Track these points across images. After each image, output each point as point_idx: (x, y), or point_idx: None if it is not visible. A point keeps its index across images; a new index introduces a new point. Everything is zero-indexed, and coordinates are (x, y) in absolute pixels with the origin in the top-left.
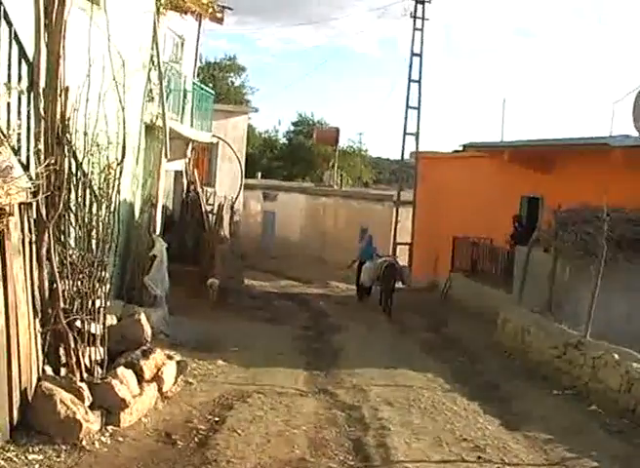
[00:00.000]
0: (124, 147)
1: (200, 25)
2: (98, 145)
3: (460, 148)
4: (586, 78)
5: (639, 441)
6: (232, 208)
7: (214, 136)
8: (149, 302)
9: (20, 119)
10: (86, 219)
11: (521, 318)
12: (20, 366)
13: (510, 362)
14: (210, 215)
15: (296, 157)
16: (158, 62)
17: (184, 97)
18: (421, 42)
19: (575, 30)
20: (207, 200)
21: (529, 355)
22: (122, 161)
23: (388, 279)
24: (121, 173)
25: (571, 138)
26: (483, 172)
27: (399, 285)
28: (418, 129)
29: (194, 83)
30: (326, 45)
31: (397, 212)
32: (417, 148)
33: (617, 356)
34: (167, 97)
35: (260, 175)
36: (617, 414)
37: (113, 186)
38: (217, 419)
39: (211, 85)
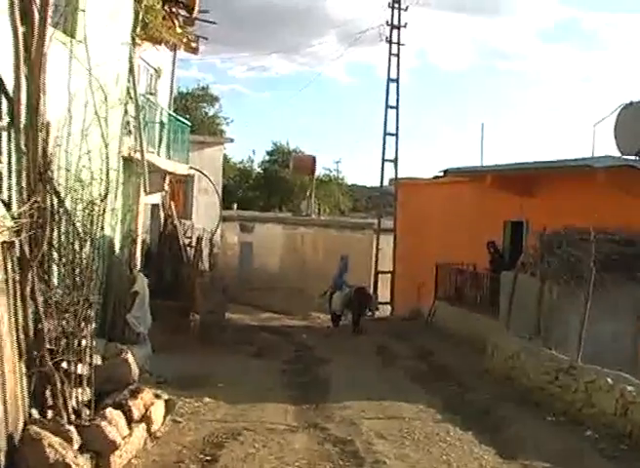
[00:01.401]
0: (108, 183)
1: (175, 56)
2: (80, 181)
3: (441, 174)
4: (565, 100)
5: (638, 465)
6: (211, 240)
7: (191, 167)
8: (132, 340)
9: (0, 156)
10: (70, 257)
11: (510, 344)
12: (6, 410)
13: (501, 389)
14: (188, 249)
15: (272, 187)
16: (135, 95)
17: (161, 129)
18: (398, 67)
19: (552, 53)
20: (185, 233)
21: (520, 381)
22: (106, 197)
23: (358, 301)
24: (104, 209)
25: (553, 161)
26: (464, 197)
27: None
28: (396, 155)
29: (170, 114)
30: (300, 73)
31: (378, 240)
32: (396, 175)
33: (610, 380)
34: (144, 130)
35: (236, 206)
36: (613, 439)
37: (97, 222)
38: (208, 458)
39: (185, 116)
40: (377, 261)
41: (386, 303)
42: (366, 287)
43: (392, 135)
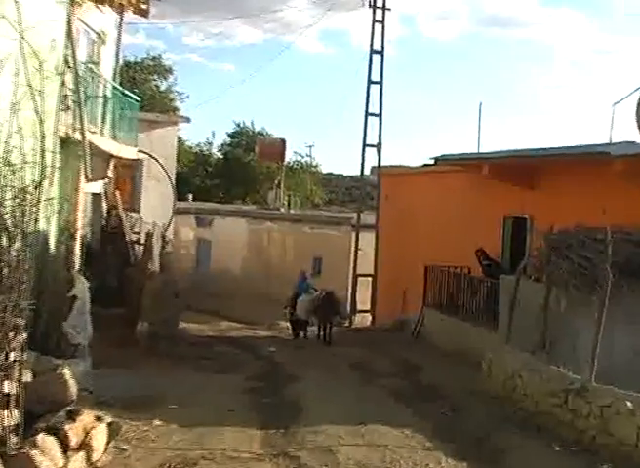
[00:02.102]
0: (42, 167)
1: (121, 19)
2: (10, 165)
3: (431, 162)
4: (577, 76)
5: None
6: (164, 237)
7: (140, 151)
8: (70, 353)
9: None
10: None
11: (511, 360)
12: None
13: (500, 412)
14: (136, 246)
15: (234, 175)
16: (74, 64)
17: (105, 104)
18: (382, 36)
19: (558, 20)
20: (132, 227)
21: (522, 404)
22: (40, 184)
23: (327, 307)
24: (38, 198)
25: (562, 148)
26: (458, 189)
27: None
28: (379, 139)
29: (115, 88)
30: (267, 42)
31: (357, 238)
32: (378, 162)
33: (629, 403)
34: (84, 105)
35: (192, 196)
36: None
37: (29, 214)
38: None
39: (133, 90)
40: (355, 263)
41: (366, 311)
42: (335, 291)
43: (375, 115)
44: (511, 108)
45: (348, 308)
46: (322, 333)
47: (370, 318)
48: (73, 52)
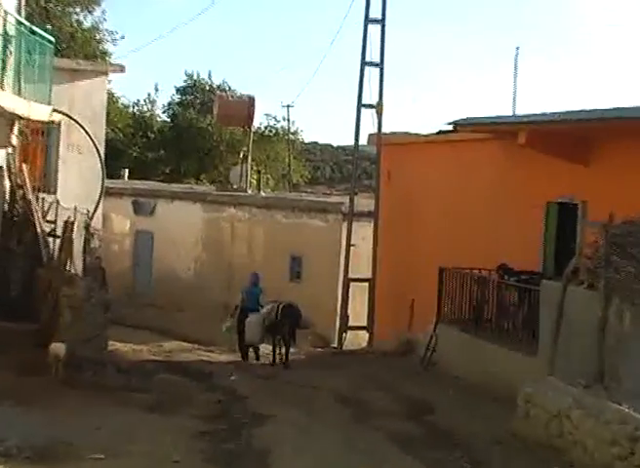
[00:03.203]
0: None
1: None
2: None
3: (448, 128)
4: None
5: None
6: (88, 227)
7: (55, 110)
8: None
9: None
10: None
11: (556, 396)
12: None
13: (539, 465)
14: (50, 240)
15: (185, 145)
16: None
17: (5, 46)
18: None
19: None
20: (44, 215)
21: (571, 455)
22: None
23: (287, 320)
24: None
25: (630, 109)
26: (485, 165)
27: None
28: (380, 98)
29: (20, 23)
30: None
31: (350, 230)
32: (379, 128)
33: None
34: None
35: (127, 173)
36: None
37: None
38: None
39: (45, 26)
40: (347, 263)
41: (361, 328)
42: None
43: (374, 65)
44: (557, 57)
45: (337, 323)
46: (278, 354)
47: (366, 337)
48: None
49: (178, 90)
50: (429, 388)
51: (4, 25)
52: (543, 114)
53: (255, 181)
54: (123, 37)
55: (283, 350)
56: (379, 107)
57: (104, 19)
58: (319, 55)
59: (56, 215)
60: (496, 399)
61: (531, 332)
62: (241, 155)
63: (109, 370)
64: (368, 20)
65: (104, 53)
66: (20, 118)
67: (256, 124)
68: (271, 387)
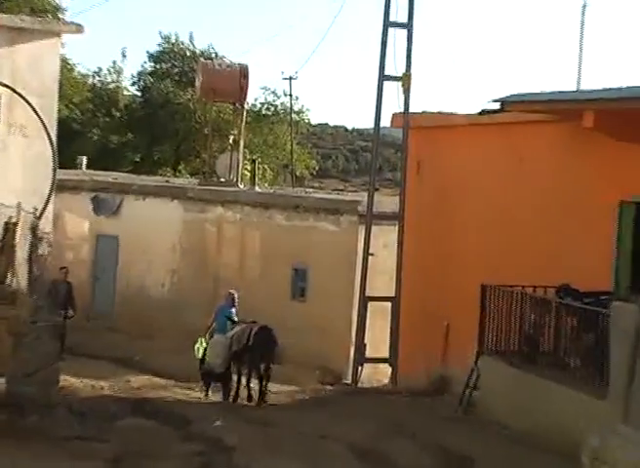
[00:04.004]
0: None
1: None
2: None
3: (494, 106)
4: None
5: None
6: (35, 230)
7: None
8: None
9: None
10: None
11: (630, 450)
12: None
13: None
14: None
15: (159, 126)
16: None
17: None
18: None
19: None
20: None
21: None
22: None
23: (261, 347)
24: None
25: None
26: (541, 153)
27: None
28: (408, 66)
29: None
30: None
31: (368, 235)
32: (405, 106)
33: None
34: None
35: (85, 161)
36: None
37: None
38: None
39: None
40: (364, 278)
41: (382, 360)
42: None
43: (401, 26)
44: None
45: (351, 354)
46: (251, 389)
47: (388, 372)
48: None
49: (150, 56)
50: (469, 437)
51: None
52: (616, 89)
53: (248, 173)
54: None
55: (255, 385)
56: (405, 80)
57: None
58: (330, 12)
59: None
60: (553, 453)
61: (599, 368)
62: (231, 140)
63: (60, 413)
64: None
65: (57, 8)
66: None
67: (249, 100)
68: (267, 435)
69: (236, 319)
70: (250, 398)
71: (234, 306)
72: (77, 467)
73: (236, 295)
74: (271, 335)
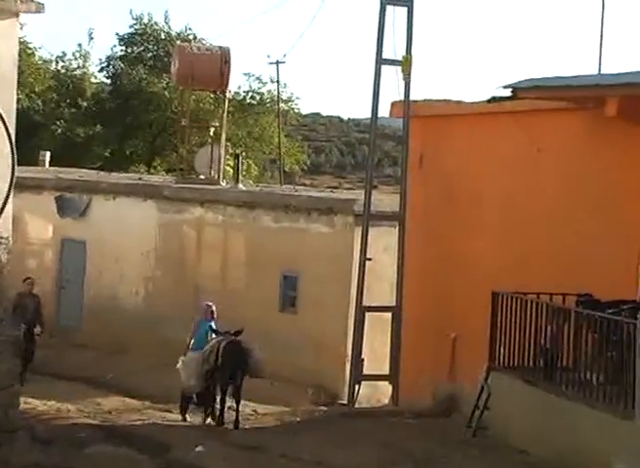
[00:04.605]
0: None
1: None
2: None
3: (505, 93)
4: None
5: None
6: None
7: None
8: None
9: None
10: None
11: None
12: None
13: None
14: None
15: (131, 117)
16: None
17: None
18: None
19: None
20: None
21: None
22: None
23: (230, 365)
24: None
25: None
26: (559, 145)
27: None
28: (408, 48)
29: None
30: None
31: (365, 238)
32: (406, 93)
33: None
34: None
35: (49, 157)
36: None
37: None
38: None
39: None
40: (361, 285)
41: (382, 378)
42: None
43: (400, 3)
44: None
45: (347, 371)
46: (222, 410)
47: (389, 391)
48: None
49: (121, 39)
50: (480, 463)
51: None
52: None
53: (231, 169)
54: None
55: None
56: (406, 63)
57: None
58: None
59: None
60: None
61: (625, 386)
62: (211, 132)
63: (21, 440)
64: None
65: None
66: None
67: (232, 87)
68: (257, 463)
69: (217, 330)
70: (220, 421)
71: (213, 319)
72: None
73: (214, 308)
74: (240, 350)
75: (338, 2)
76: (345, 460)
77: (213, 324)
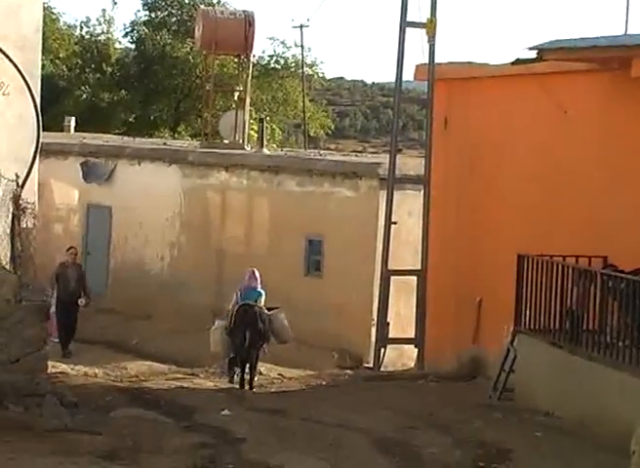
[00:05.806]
0: None
1: None
2: None
3: (530, 54)
4: None
5: None
6: (17, 200)
7: None
8: None
9: None
10: None
11: None
12: None
13: None
14: None
15: (155, 82)
16: None
17: None
18: None
19: None
20: None
21: None
22: None
23: (241, 327)
24: None
25: None
26: (586, 107)
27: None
28: (433, 11)
29: None
30: None
31: (390, 202)
32: (430, 56)
33: None
34: None
35: (73, 122)
36: None
37: None
38: None
39: None
40: (387, 249)
41: (407, 341)
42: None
43: None
44: None
45: (372, 335)
46: (243, 373)
47: (414, 354)
48: None
49: (145, 4)
50: (505, 427)
51: None
52: None
53: (255, 134)
54: None
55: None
56: (430, 26)
57: None
58: None
59: None
60: (602, 445)
61: None
62: (236, 97)
63: (48, 405)
64: None
65: None
66: None
67: (256, 52)
68: (280, 426)
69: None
70: (241, 384)
71: (257, 288)
72: (65, 463)
73: (257, 274)
74: (249, 312)
75: None
76: (366, 423)
77: (260, 289)
